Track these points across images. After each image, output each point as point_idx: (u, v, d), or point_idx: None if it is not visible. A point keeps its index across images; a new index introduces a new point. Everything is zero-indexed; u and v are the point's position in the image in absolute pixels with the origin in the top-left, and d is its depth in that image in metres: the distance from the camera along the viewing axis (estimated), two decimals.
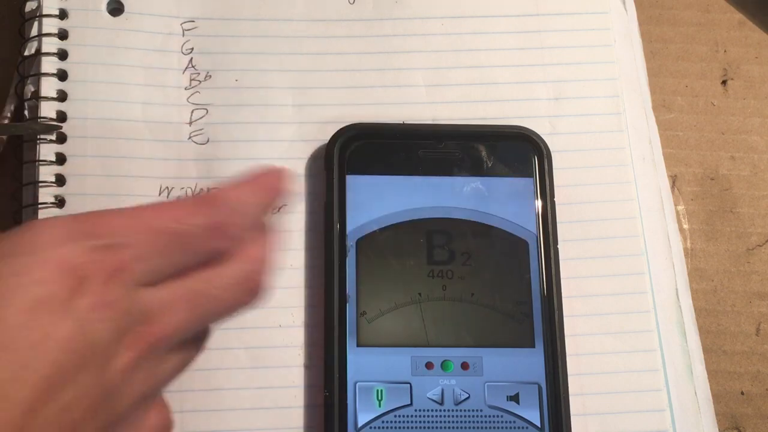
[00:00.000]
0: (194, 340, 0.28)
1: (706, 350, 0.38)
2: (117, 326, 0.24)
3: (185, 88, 0.40)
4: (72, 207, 0.37)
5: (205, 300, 0.26)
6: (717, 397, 0.38)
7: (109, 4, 0.40)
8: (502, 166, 0.38)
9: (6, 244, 0.24)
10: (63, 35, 0.40)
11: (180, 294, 0.26)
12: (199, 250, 0.26)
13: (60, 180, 0.38)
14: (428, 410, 0.35)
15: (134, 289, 0.24)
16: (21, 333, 0.22)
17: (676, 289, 0.39)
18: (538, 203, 0.38)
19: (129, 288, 0.24)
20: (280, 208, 0.29)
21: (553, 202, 0.38)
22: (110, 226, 0.25)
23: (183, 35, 0.40)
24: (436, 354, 0.35)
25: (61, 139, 0.38)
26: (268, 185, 0.28)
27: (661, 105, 0.43)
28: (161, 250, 0.25)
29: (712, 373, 0.38)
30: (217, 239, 0.26)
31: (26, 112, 0.39)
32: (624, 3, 0.43)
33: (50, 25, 0.40)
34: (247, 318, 0.32)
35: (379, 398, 0.35)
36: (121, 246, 0.24)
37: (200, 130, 0.39)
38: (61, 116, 0.39)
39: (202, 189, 0.38)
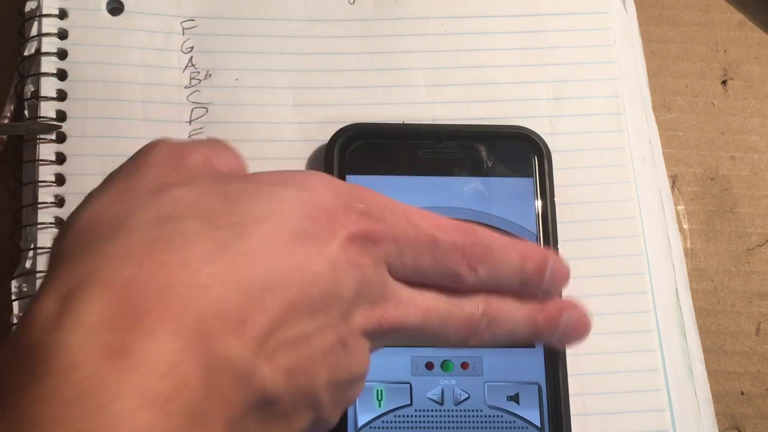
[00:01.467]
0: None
1: (706, 350, 0.38)
2: (358, 289, 0.24)
3: (185, 87, 0.40)
4: (72, 206, 0.37)
5: (438, 322, 0.26)
6: (717, 397, 0.38)
7: (108, 3, 0.40)
8: (502, 166, 0.38)
9: (286, 176, 0.25)
10: (63, 35, 0.40)
11: (421, 303, 0.26)
12: (443, 268, 0.26)
13: (60, 179, 0.38)
14: (428, 410, 0.35)
15: (382, 267, 0.25)
16: (285, 253, 0.23)
17: (676, 289, 0.39)
18: (538, 203, 0.38)
19: (377, 263, 0.25)
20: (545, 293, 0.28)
21: (553, 202, 0.38)
22: (374, 201, 0.26)
23: (183, 34, 0.40)
24: (436, 354, 0.35)
25: (61, 138, 0.38)
26: (531, 253, 0.28)
27: (661, 105, 0.43)
28: (414, 245, 0.26)
29: (712, 373, 0.38)
30: (463, 265, 0.26)
31: (26, 112, 0.39)
32: (624, 3, 0.43)
33: (50, 25, 0.40)
34: None
35: (379, 398, 0.35)
36: (379, 220, 0.25)
37: (200, 129, 0.39)
38: (61, 116, 0.39)
39: None
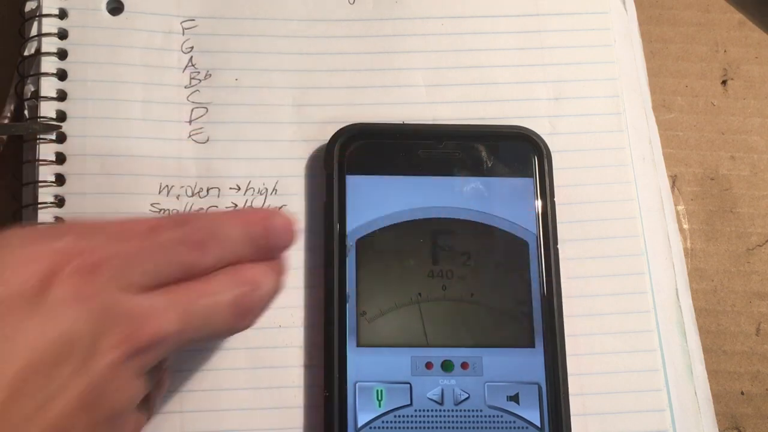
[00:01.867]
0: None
1: (706, 350, 0.38)
2: (96, 321, 0.23)
3: (185, 87, 0.40)
4: (72, 206, 0.37)
5: (202, 318, 0.26)
6: (717, 397, 0.38)
7: (108, 3, 0.40)
8: (502, 166, 0.38)
9: None
10: (63, 35, 0.40)
11: (174, 306, 0.25)
12: (172, 264, 0.26)
13: (60, 179, 0.38)
14: (428, 410, 0.35)
15: (113, 289, 0.24)
16: None
17: (676, 289, 0.39)
18: (538, 203, 0.38)
19: (106, 287, 0.24)
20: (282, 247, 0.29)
21: (553, 202, 0.38)
22: (81, 232, 0.25)
23: (183, 34, 0.40)
24: (436, 354, 0.35)
25: (61, 138, 0.38)
26: (251, 217, 0.28)
27: (661, 105, 0.43)
28: (136, 257, 0.25)
29: (712, 373, 0.38)
30: (190, 253, 0.26)
31: (26, 112, 0.39)
32: (624, 3, 0.43)
33: (50, 25, 0.40)
34: None
35: (379, 398, 0.35)
36: (93, 249, 0.24)
37: (200, 128, 0.39)
38: (61, 116, 0.39)
39: (201, 188, 0.38)
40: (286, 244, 0.29)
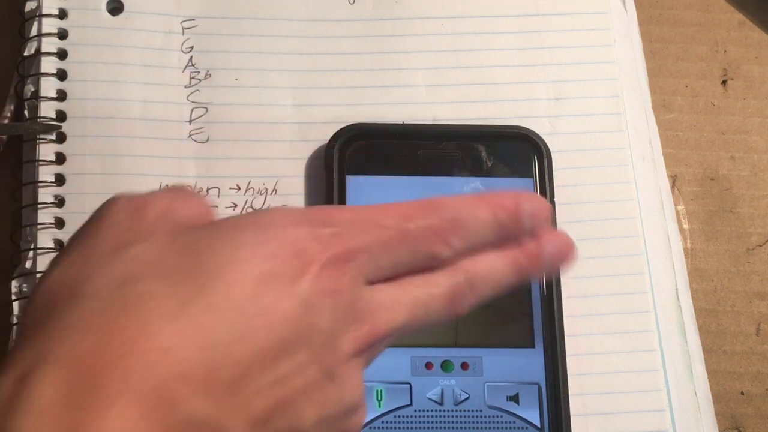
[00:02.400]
0: None
1: (706, 350, 0.38)
2: (339, 317, 0.24)
3: (185, 87, 0.40)
4: (72, 206, 0.37)
5: (423, 310, 0.26)
6: (717, 397, 0.38)
7: (108, 3, 0.40)
8: (502, 166, 0.38)
9: (243, 219, 0.24)
10: (63, 35, 0.40)
11: (404, 299, 0.25)
12: (419, 254, 0.26)
13: (60, 179, 0.38)
14: (428, 410, 0.35)
15: (360, 283, 0.24)
16: (250, 299, 0.22)
17: (676, 289, 0.39)
18: None
19: (355, 281, 0.24)
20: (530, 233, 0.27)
21: (553, 202, 0.38)
22: (339, 218, 0.25)
23: (183, 34, 0.40)
24: (435, 354, 0.35)
25: (61, 138, 0.38)
26: (501, 201, 0.27)
27: (661, 105, 0.43)
28: (387, 247, 0.25)
29: (712, 373, 0.38)
30: (437, 245, 0.26)
31: (26, 112, 0.39)
32: (624, 3, 0.43)
33: (50, 25, 0.40)
34: None
35: (379, 398, 0.35)
36: (350, 237, 0.24)
37: (200, 128, 0.39)
38: (61, 116, 0.39)
39: (200, 188, 0.38)
40: (541, 224, 0.28)
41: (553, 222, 0.37)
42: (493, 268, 0.27)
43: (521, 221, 0.27)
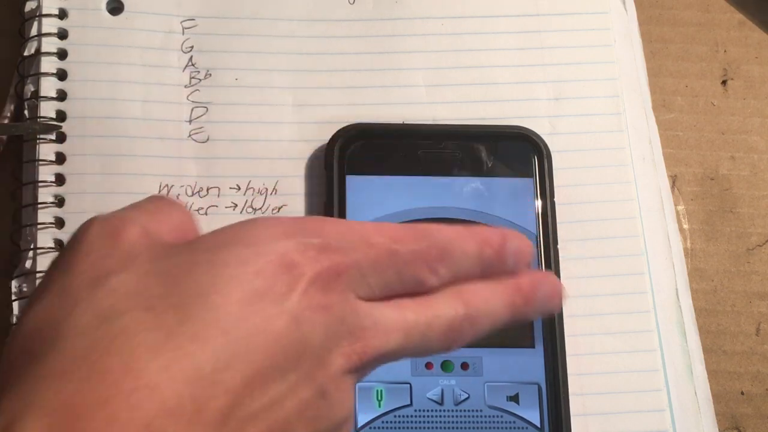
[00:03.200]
0: None
1: (706, 350, 0.38)
2: (330, 331, 0.23)
3: (185, 86, 0.40)
4: (71, 206, 0.37)
5: (420, 337, 0.25)
6: (717, 397, 0.38)
7: (108, 3, 0.40)
8: (502, 166, 0.38)
9: (226, 235, 0.24)
10: (63, 35, 0.40)
11: (400, 321, 0.25)
12: (407, 277, 0.25)
13: (60, 179, 0.38)
14: (428, 410, 0.35)
15: (351, 298, 0.24)
16: (237, 322, 0.21)
17: (676, 289, 0.39)
18: (538, 203, 0.38)
19: (346, 295, 0.24)
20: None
21: (553, 202, 0.38)
22: (329, 231, 0.24)
23: (183, 33, 0.40)
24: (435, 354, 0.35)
25: (61, 138, 0.38)
26: (486, 239, 0.27)
27: (661, 105, 0.43)
28: (376, 266, 0.24)
29: (712, 373, 0.38)
30: (425, 271, 0.25)
31: (26, 112, 0.39)
32: (624, 3, 0.43)
33: (50, 25, 0.40)
34: None
35: (379, 398, 0.35)
36: (340, 251, 0.24)
37: (200, 128, 0.39)
38: (61, 116, 0.39)
39: (201, 188, 0.38)
40: (523, 266, 0.28)
41: (554, 222, 0.37)
42: (491, 307, 0.27)
43: (505, 260, 0.27)
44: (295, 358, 0.22)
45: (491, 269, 0.27)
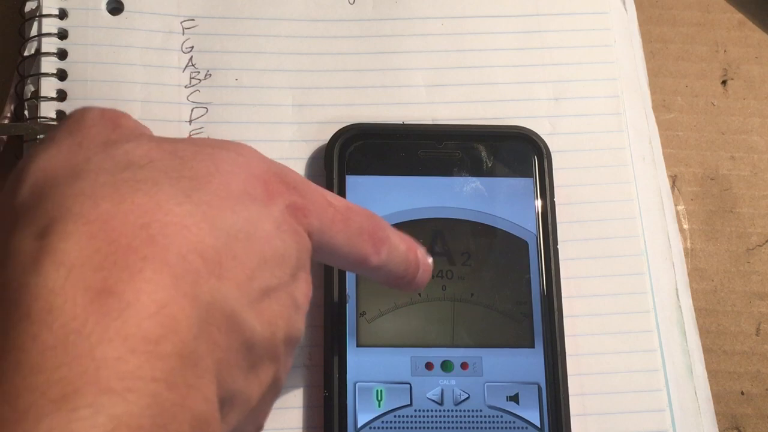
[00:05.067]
0: None
1: (706, 350, 0.38)
2: (299, 256, 0.25)
3: (185, 87, 0.40)
4: None
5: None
6: (717, 397, 0.38)
7: (108, 3, 0.40)
8: (502, 166, 0.38)
9: (221, 141, 0.25)
10: (63, 35, 0.40)
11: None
12: (353, 247, 0.27)
13: None
14: (428, 410, 0.35)
15: (309, 239, 0.25)
16: (237, 207, 0.23)
17: (676, 289, 0.39)
18: (538, 203, 0.38)
19: (305, 235, 0.25)
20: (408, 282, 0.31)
21: (553, 202, 0.38)
22: (300, 179, 0.26)
23: (183, 34, 0.40)
24: (435, 354, 0.35)
25: None
26: (411, 245, 0.29)
27: (661, 105, 0.43)
28: (331, 224, 0.26)
29: (712, 373, 0.38)
30: (370, 246, 0.27)
31: (26, 112, 0.39)
32: (624, 3, 0.43)
33: (50, 25, 0.40)
34: None
35: (379, 398, 0.35)
36: (307, 197, 0.25)
37: (200, 128, 0.39)
38: (61, 116, 0.39)
39: None
40: (424, 281, 0.31)
41: (554, 222, 0.37)
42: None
43: (419, 266, 0.30)
44: (277, 261, 0.23)
45: (408, 274, 0.30)
